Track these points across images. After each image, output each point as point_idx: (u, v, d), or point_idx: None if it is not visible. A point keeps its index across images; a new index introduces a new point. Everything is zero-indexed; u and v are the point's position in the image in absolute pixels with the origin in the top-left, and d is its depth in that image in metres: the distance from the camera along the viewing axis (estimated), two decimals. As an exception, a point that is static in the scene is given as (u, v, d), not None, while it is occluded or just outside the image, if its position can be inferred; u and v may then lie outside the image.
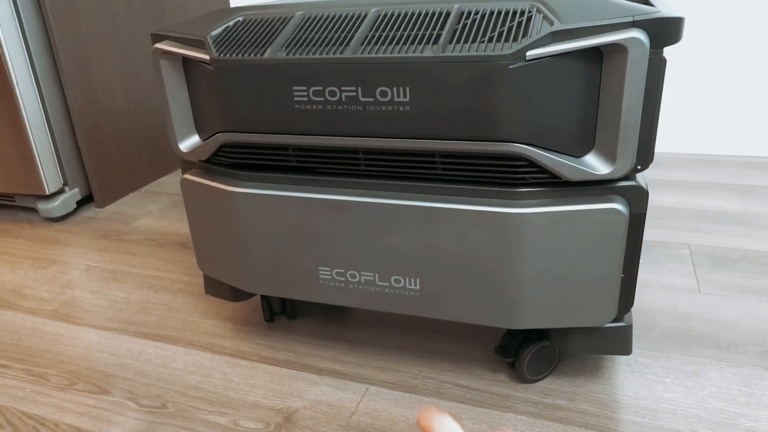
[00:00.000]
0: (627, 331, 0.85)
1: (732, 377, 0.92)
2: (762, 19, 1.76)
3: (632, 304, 0.83)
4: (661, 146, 1.94)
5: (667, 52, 1.87)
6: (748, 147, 1.88)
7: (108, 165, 1.79)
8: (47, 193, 1.66)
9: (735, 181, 1.69)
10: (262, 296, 1.11)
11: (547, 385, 0.93)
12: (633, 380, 0.93)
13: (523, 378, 0.93)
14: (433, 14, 0.74)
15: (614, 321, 0.84)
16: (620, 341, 0.86)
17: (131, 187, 1.90)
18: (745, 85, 1.84)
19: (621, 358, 0.97)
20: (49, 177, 1.65)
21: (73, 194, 1.73)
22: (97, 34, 1.70)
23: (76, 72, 1.65)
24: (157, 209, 1.75)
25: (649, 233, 1.39)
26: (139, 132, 1.90)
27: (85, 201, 1.80)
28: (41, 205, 1.69)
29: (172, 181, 1.98)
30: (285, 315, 1.15)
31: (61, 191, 1.71)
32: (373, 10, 0.78)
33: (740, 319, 1.06)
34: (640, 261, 1.27)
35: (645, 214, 0.76)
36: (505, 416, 0.87)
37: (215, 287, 1.06)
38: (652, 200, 1.57)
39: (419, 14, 0.74)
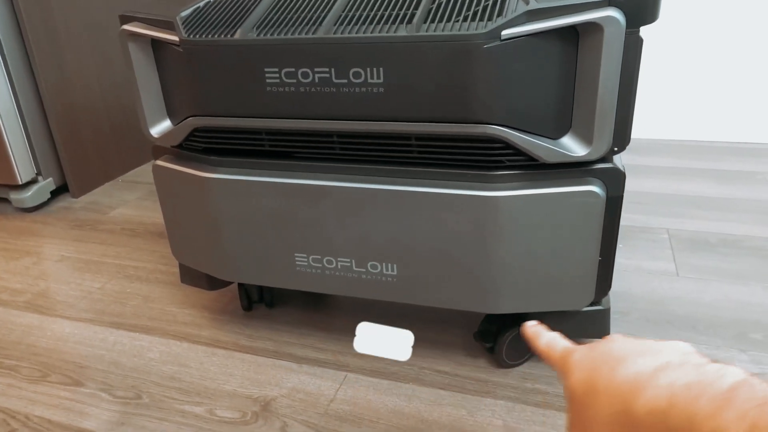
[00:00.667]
0: (605, 314, 0.85)
1: (710, 360, 0.93)
2: (745, 3, 1.77)
3: (610, 287, 0.83)
4: (642, 132, 1.95)
5: (651, 37, 1.87)
6: (728, 133, 1.89)
7: (83, 154, 1.76)
8: (20, 182, 1.62)
9: (715, 166, 1.70)
10: (240, 284, 1.09)
11: (526, 369, 0.93)
12: (612, 364, 0.92)
13: (502, 363, 0.93)
14: (407, -7, 0.73)
15: (592, 305, 0.84)
16: (598, 325, 0.86)
17: (107, 176, 1.87)
18: (725, 70, 1.85)
19: (600, 342, 0.97)
20: (22, 166, 1.62)
21: (47, 184, 1.70)
22: (70, 17, 1.66)
23: (48, 57, 1.61)
24: (133, 198, 1.72)
25: (629, 218, 1.39)
26: (116, 119, 1.87)
27: (60, 191, 1.77)
28: (14, 195, 1.66)
29: (149, 170, 1.95)
30: (263, 303, 1.13)
31: (34, 181, 1.68)
32: (346, -11, 0.76)
33: (717, 303, 1.06)
34: (619, 245, 1.27)
35: (622, 196, 0.76)
36: (484, 401, 0.87)
37: (191, 276, 1.05)
38: (633, 185, 1.57)
39: (393, -7, 0.73)
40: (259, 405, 0.89)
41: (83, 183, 1.78)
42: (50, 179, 1.71)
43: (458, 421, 0.84)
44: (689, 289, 1.11)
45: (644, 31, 0.68)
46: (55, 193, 1.75)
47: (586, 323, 0.85)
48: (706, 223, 1.36)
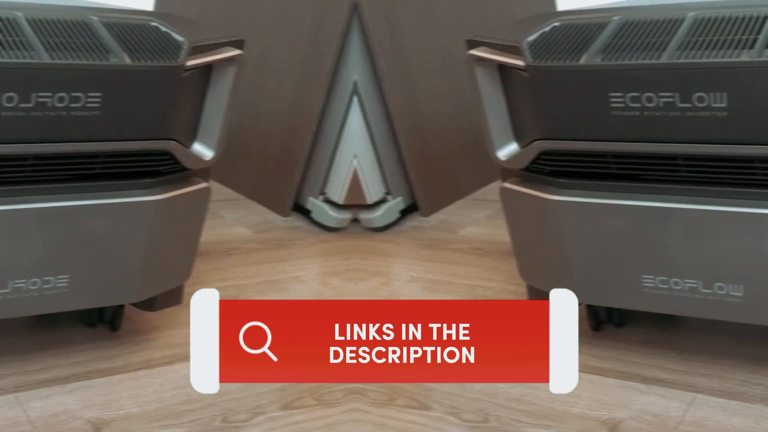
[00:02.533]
0: None
1: None
2: None
3: None
4: None
5: None
6: None
7: (432, 173, 2.01)
8: (369, 202, 1.87)
9: None
10: (588, 305, 1.24)
11: None
12: None
13: None
14: (750, 19, 0.89)
15: None
16: None
17: (456, 195, 2.10)
18: None
19: None
20: (371, 186, 1.87)
21: (396, 203, 1.93)
22: (418, 36, 1.96)
23: (398, 81, 1.89)
24: (483, 217, 1.96)
25: None
26: (465, 140, 2.10)
27: (409, 210, 1.98)
28: (363, 215, 1.89)
29: (497, 189, 2.09)
30: (611, 323, 1.27)
31: (383, 200, 1.91)
32: (690, 15, 0.94)
33: None
34: None
35: None
36: None
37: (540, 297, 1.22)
38: None
39: (736, 19, 0.90)
40: (607, 428, 1.01)
41: (433, 202, 2.01)
42: (399, 198, 1.95)
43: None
44: None
45: None
46: (404, 213, 1.97)
47: None
48: None
